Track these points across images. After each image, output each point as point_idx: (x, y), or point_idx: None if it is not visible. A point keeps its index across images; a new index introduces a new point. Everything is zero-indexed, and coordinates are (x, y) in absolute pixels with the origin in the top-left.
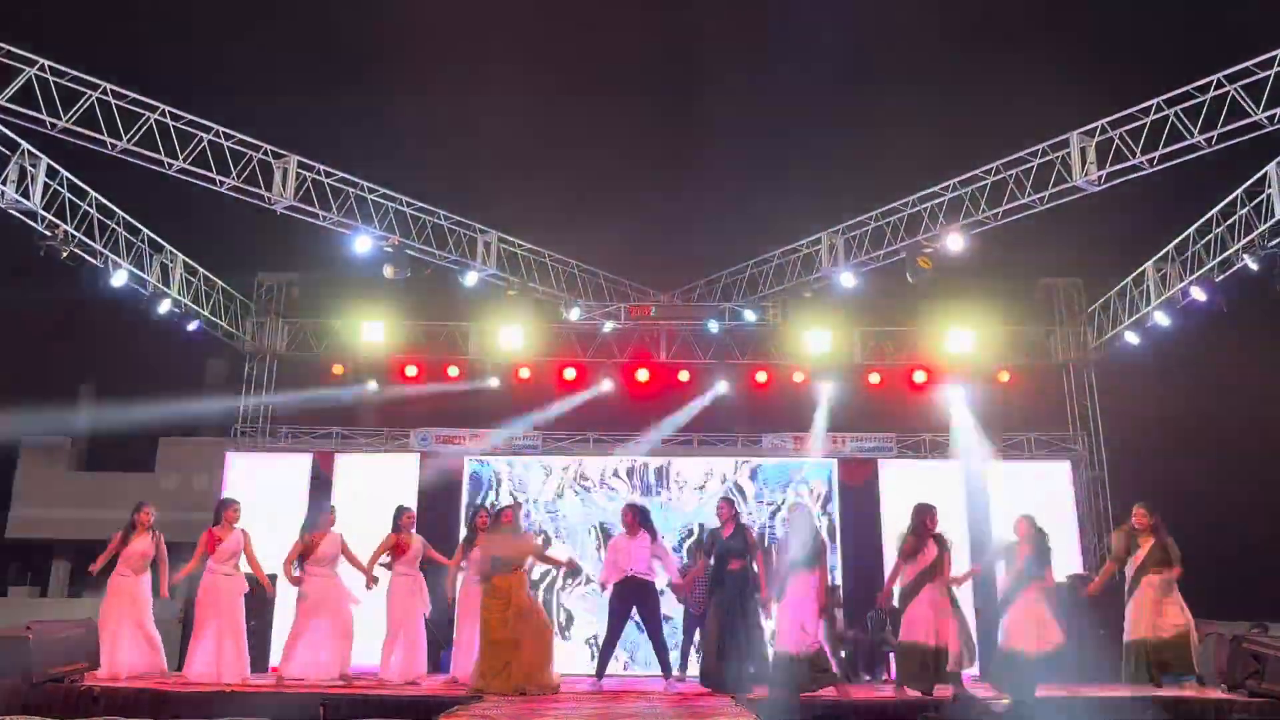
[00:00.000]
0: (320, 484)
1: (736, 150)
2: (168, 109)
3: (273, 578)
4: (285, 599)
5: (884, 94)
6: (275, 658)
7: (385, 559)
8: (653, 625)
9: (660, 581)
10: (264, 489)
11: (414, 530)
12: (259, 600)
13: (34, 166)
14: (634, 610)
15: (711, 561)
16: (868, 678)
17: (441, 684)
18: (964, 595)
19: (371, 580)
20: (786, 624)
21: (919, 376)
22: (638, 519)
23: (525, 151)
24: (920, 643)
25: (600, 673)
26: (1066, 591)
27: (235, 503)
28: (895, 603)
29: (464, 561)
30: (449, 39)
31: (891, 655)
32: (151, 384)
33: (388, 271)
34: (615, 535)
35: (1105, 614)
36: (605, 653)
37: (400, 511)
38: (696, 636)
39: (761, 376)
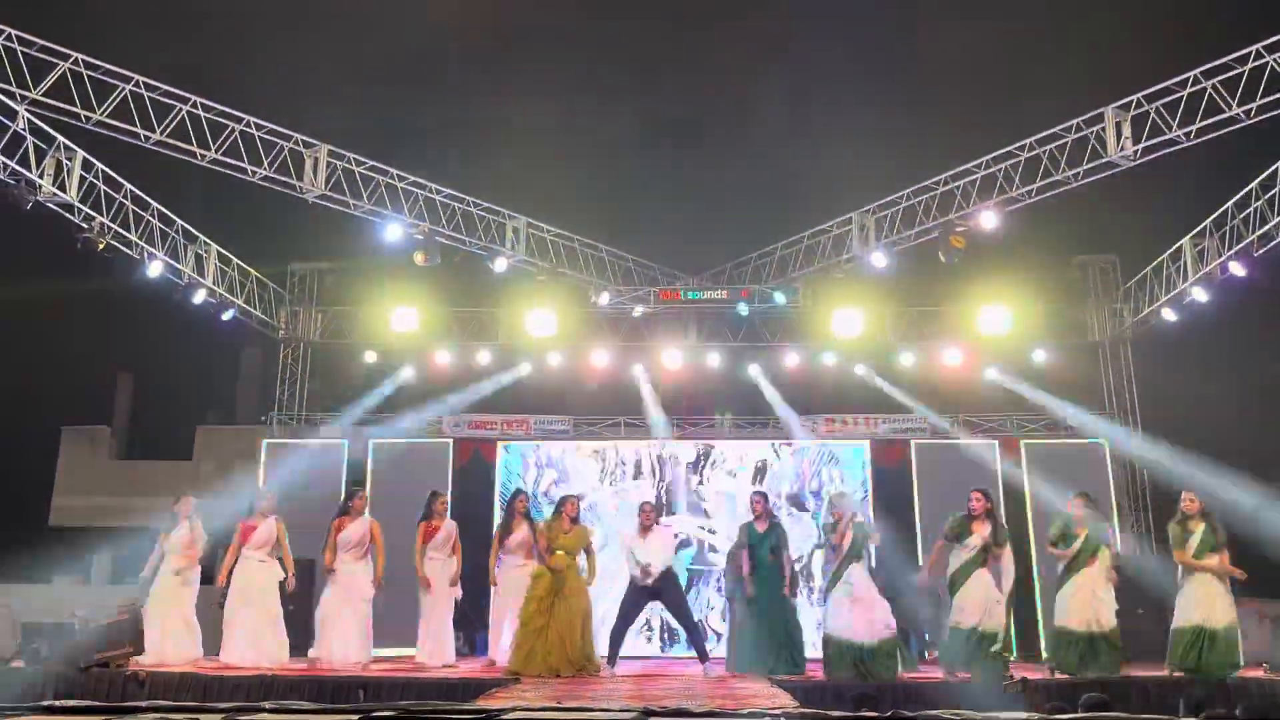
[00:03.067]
0: (355, 470)
1: (765, 130)
2: (199, 100)
3: (310, 562)
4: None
5: (914, 70)
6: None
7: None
8: (681, 613)
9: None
10: (300, 475)
11: (447, 515)
12: (299, 585)
13: (70, 160)
14: (656, 600)
15: (745, 552)
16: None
17: (479, 667)
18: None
19: (378, 582)
20: (852, 613)
21: (952, 357)
22: (655, 515)
23: (552, 136)
24: (966, 626)
25: (612, 659)
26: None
27: (268, 494)
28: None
29: (503, 545)
30: (475, 26)
31: (927, 637)
32: (189, 372)
33: (418, 259)
34: (627, 533)
35: (1143, 596)
36: (615, 640)
37: (434, 497)
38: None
39: (792, 359)
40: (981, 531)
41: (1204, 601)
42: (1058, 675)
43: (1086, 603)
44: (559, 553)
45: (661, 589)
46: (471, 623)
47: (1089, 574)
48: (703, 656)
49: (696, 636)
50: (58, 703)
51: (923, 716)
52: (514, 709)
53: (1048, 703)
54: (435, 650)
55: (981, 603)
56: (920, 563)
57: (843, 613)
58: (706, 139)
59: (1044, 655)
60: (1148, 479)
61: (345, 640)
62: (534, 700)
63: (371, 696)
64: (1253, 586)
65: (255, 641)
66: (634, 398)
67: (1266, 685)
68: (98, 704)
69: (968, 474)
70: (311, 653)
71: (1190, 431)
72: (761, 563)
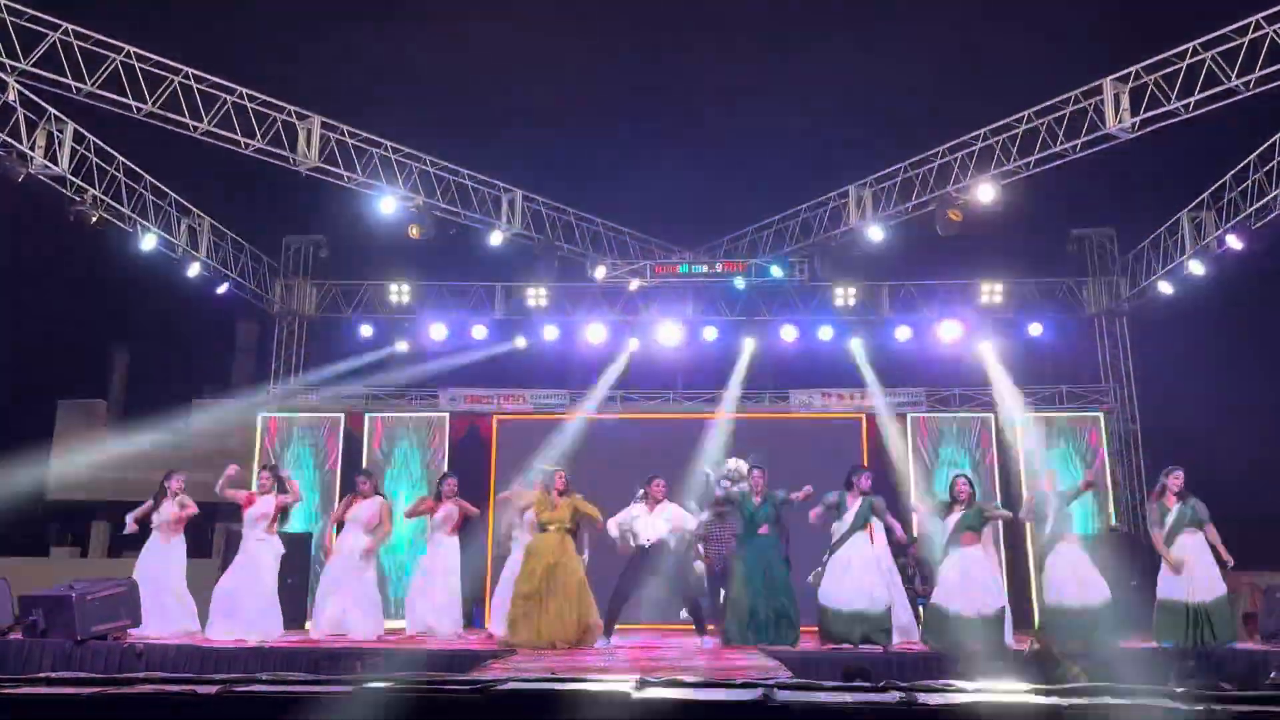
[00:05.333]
0: (351, 444)
1: (761, 102)
2: (191, 71)
3: (307, 535)
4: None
5: (911, 40)
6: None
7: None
8: (688, 599)
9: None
10: (296, 449)
11: (454, 497)
12: (298, 558)
13: (61, 132)
14: (656, 575)
15: (740, 524)
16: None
17: (477, 639)
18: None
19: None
20: (849, 582)
21: (948, 330)
22: (665, 491)
23: (548, 108)
24: (939, 603)
25: (608, 630)
26: (1099, 545)
27: (265, 469)
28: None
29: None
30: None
31: (922, 608)
32: (184, 346)
33: (413, 232)
34: (633, 505)
35: (1136, 568)
36: (614, 611)
37: (442, 479)
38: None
39: (789, 333)
40: (956, 513)
41: (1187, 577)
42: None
43: (1070, 576)
44: (549, 529)
45: (660, 564)
46: (468, 596)
47: (1066, 548)
48: (700, 629)
49: (695, 610)
50: (54, 674)
51: (915, 686)
52: (509, 679)
53: (1039, 675)
54: (430, 623)
55: (957, 582)
56: (915, 536)
57: (839, 579)
58: (702, 111)
59: (1036, 630)
60: (1143, 453)
61: (346, 614)
62: (529, 672)
63: (367, 668)
64: (1244, 558)
65: (248, 618)
66: (631, 371)
67: (1258, 656)
68: (95, 675)
69: (962, 448)
70: (316, 630)
71: (1186, 404)
72: (753, 537)
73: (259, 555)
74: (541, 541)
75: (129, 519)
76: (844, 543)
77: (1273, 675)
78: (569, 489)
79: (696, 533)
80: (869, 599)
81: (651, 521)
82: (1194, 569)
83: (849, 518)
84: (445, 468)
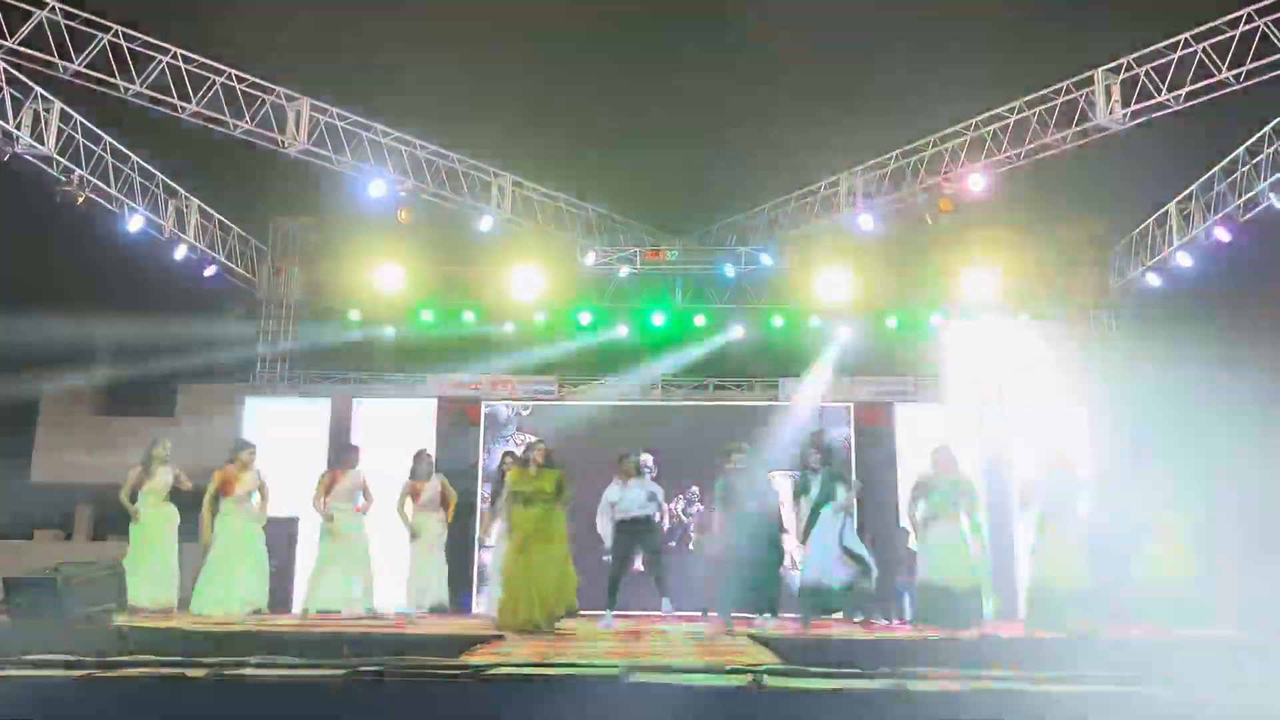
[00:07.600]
0: (339, 428)
1: (753, 89)
2: (179, 51)
3: (293, 520)
4: (310, 538)
5: (903, 30)
6: (300, 595)
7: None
8: (656, 561)
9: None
10: (283, 433)
11: (433, 473)
12: (283, 540)
13: (47, 111)
14: (639, 543)
15: (727, 504)
16: (883, 620)
17: (465, 623)
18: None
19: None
20: (822, 557)
21: (937, 319)
22: (634, 467)
23: (539, 92)
24: (936, 581)
25: (611, 605)
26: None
27: (251, 446)
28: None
29: (496, 506)
30: None
31: (906, 595)
32: (170, 329)
33: (402, 216)
34: (609, 487)
35: (1119, 554)
36: (612, 590)
37: (419, 456)
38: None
39: (778, 321)
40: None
41: (1165, 556)
42: (1038, 634)
43: (1055, 558)
44: (531, 502)
45: (643, 534)
46: (457, 579)
47: (1057, 530)
48: (662, 590)
49: (661, 577)
50: (39, 656)
51: (905, 672)
52: (498, 665)
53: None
54: (425, 590)
55: (948, 558)
56: (903, 524)
57: (815, 556)
58: (695, 97)
59: (1023, 614)
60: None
61: (340, 588)
62: (518, 656)
63: (356, 652)
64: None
65: (232, 592)
66: (619, 357)
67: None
68: (82, 658)
69: (951, 436)
70: (297, 607)
71: (1171, 395)
72: (741, 516)
73: (245, 530)
74: (520, 518)
75: (124, 498)
76: (816, 517)
77: None
78: (550, 462)
79: (700, 515)
80: (840, 570)
81: (626, 494)
82: (1176, 552)
83: (814, 492)
84: (432, 454)
